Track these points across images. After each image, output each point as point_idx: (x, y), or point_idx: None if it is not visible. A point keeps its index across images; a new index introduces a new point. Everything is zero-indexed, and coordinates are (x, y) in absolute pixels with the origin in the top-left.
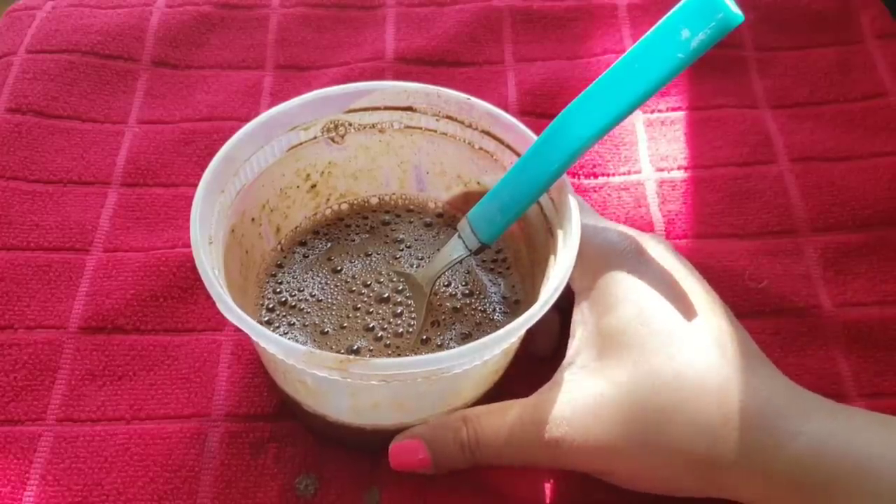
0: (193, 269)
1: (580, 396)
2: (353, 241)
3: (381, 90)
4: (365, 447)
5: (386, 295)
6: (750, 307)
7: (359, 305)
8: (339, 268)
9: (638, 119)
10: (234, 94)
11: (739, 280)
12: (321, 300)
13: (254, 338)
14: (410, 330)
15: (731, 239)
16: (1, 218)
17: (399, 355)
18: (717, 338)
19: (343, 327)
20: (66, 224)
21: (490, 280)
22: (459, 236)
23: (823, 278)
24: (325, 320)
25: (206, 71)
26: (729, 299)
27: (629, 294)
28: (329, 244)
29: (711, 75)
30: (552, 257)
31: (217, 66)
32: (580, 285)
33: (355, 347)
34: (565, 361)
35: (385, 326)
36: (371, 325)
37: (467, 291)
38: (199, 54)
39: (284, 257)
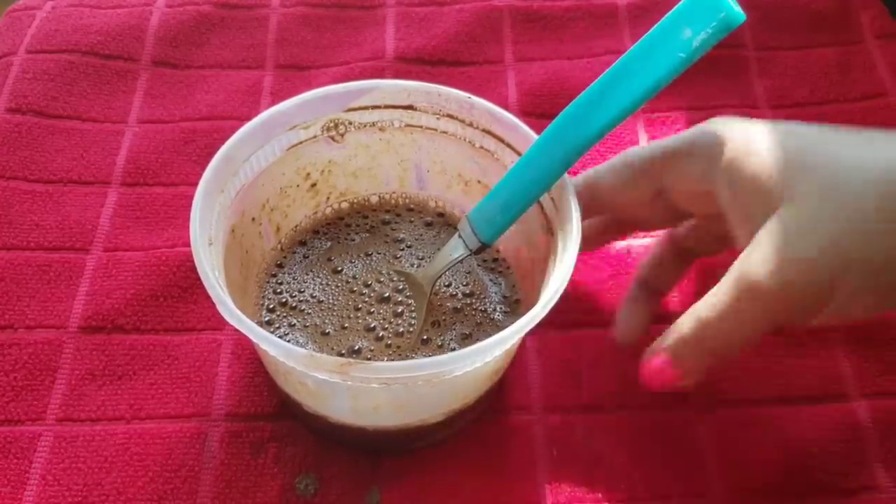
0: (193, 268)
1: (782, 236)
2: (354, 240)
3: (381, 89)
4: (366, 447)
5: (387, 294)
6: None
7: (360, 305)
8: (339, 268)
9: (638, 119)
10: (234, 94)
11: None
12: (322, 301)
13: (254, 340)
14: (411, 330)
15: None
16: (1, 218)
17: (400, 356)
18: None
19: (344, 328)
20: (66, 224)
21: (490, 280)
22: (460, 236)
23: None
24: (326, 321)
25: (206, 70)
26: None
27: (751, 146)
28: (329, 244)
29: (712, 75)
30: (552, 257)
31: (217, 66)
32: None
33: (356, 348)
34: (743, 248)
35: (386, 326)
36: (372, 326)
37: (468, 291)
38: (199, 54)
39: (284, 257)
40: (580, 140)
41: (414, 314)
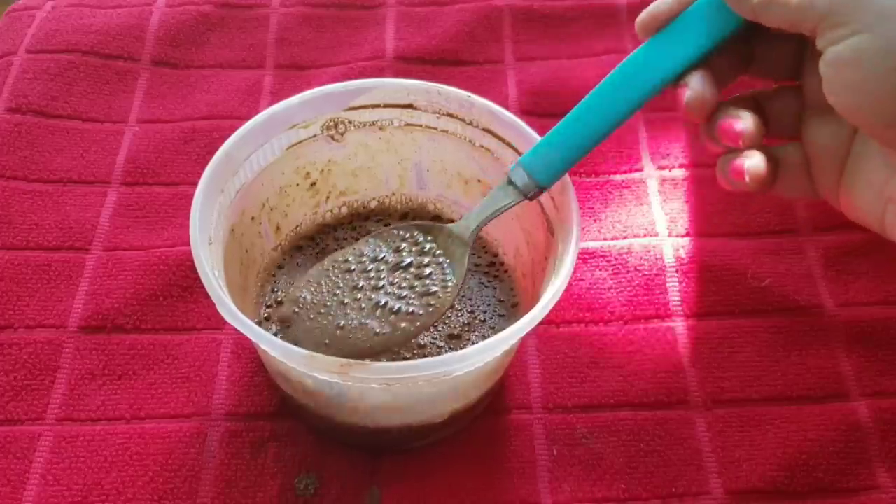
0: (193, 268)
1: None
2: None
3: (381, 88)
4: (366, 447)
5: (383, 302)
6: (752, 306)
7: (360, 306)
8: (338, 269)
9: (639, 117)
10: (234, 94)
11: (742, 279)
12: (317, 303)
13: (254, 340)
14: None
15: (733, 238)
16: (1, 217)
17: (403, 357)
18: None
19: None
20: (65, 223)
21: (489, 280)
22: (510, 183)
23: (825, 278)
24: (326, 322)
25: (207, 70)
26: (731, 298)
27: None
28: (324, 253)
29: None
30: (552, 257)
31: (217, 66)
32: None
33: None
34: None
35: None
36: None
37: (463, 292)
38: (200, 54)
39: (284, 259)
40: (663, 73)
41: (434, 280)
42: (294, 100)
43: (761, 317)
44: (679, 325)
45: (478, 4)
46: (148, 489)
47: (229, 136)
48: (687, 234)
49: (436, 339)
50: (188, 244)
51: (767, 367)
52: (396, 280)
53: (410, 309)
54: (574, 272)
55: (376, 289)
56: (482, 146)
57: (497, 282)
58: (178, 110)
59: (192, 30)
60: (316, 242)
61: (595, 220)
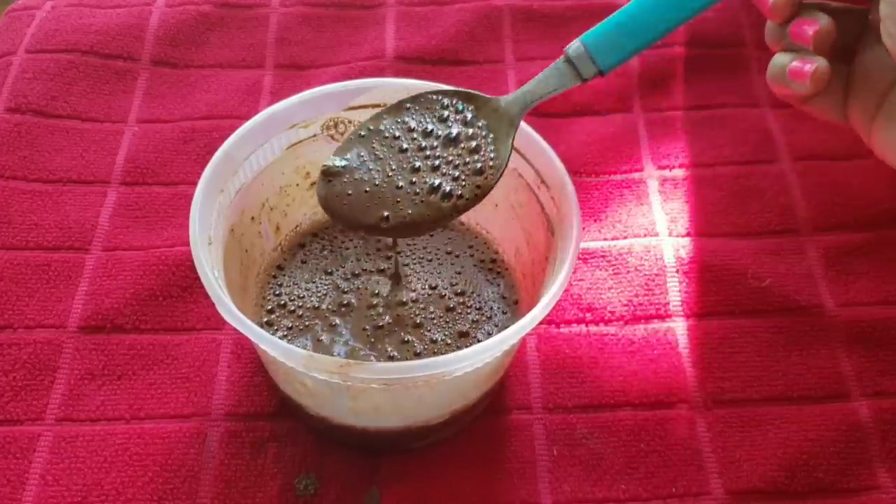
0: (193, 268)
1: None
2: (347, 248)
3: (380, 87)
4: (366, 447)
5: (375, 302)
6: (753, 306)
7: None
8: (338, 270)
9: (639, 117)
10: (233, 93)
11: (742, 279)
12: (318, 307)
13: (254, 340)
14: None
15: (733, 238)
16: (0, 217)
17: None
18: None
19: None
20: (65, 223)
21: (489, 280)
22: (569, 62)
23: (826, 278)
24: (325, 321)
25: (206, 70)
26: (732, 298)
27: None
28: (324, 249)
29: (713, 74)
30: (552, 257)
31: (217, 66)
32: None
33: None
34: None
35: (385, 325)
36: (367, 328)
37: (460, 291)
38: (199, 53)
39: (284, 259)
40: None
41: (479, 156)
42: (294, 99)
43: (762, 317)
44: (679, 325)
45: (478, 4)
46: (148, 489)
47: (229, 135)
48: (687, 234)
49: (446, 336)
50: (188, 244)
51: (768, 367)
52: (451, 158)
53: (459, 192)
54: (574, 272)
55: (433, 169)
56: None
57: (500, 279)
58: (177, 110)
59: (191, 29)
60: (314, 247)
61: (595, 220)
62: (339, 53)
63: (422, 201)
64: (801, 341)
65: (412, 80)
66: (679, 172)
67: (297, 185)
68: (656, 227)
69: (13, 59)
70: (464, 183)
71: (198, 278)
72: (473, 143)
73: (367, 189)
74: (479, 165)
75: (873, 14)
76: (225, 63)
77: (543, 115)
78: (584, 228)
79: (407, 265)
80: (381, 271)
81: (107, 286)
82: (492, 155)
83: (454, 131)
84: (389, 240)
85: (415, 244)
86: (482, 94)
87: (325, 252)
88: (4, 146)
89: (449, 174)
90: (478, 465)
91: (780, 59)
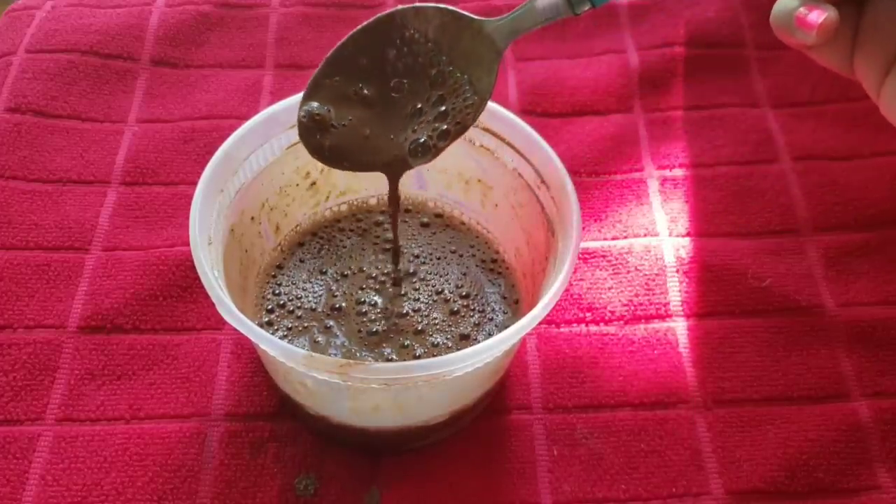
0: (193, 268)
1: None
2: (345, 245)
3: None
4: (366, 448)
5: (365, 310)
6: (753, 306)
7: (360, 299)
8: (338, 271)
9: (639, 117)
10: (233, 93)
11: (742, 279)
12: (315, 309)
13: (254, 340)
14: (470, 100)
15: (733, 237)
16: (0, 217)
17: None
18: None
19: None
20: (65, 223)
21: (489, 280)
22: None
23: (826, 278)
24: (325, 322)
25: (206, 70)
26: (732, 298)
27: None
28: (322, 248)
29: (713, 74)
30: (552, 257)
31: (217, 65)
32: None
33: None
34: None
35: (384, 322)
36: (372, 328)
37: (465, 293)
38: (199, 53)
39: (284, 258)
40: None
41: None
42: (294, 99)
43: (762, 317)
44: (679, 325)
45: (477, 4)
46: (148, 489)
47: (229, 135)
48: (687, 234)
49: (448, 339)
50: (188, 244)
51: (768, 367)
52: (431, 103)
53: (445, 128)
54: (574, 272)
55: (417, 116)
56: (482, 146)
57: (501, 279)
58: (177, 110)
59: (191, 29)
60: (312, 246)
61: (595, 220)
62: None
63: (417, 145)
64: (801, 341)
65: None
66: (679, 172)
67: (297, 185)
68: (656, 227)
69: (13, 59)
70: (448, 124)
71: (198, 278)
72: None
73: (363, 137)
74: (464, 103)
75: None
76: (225, 63)
77: (543, 115)
78: (584, 228)
79: (412, 262)
80: (372, 277)
81: (107, 286)
82: (468, 94)
83: (434, 72)
84: (390, 234)
85: (418, 244)
86: (465, 13)
87: (323, 252)
88: (4, 146)
89: (435, 118)
90: (478, 465)
91: (786, 2)
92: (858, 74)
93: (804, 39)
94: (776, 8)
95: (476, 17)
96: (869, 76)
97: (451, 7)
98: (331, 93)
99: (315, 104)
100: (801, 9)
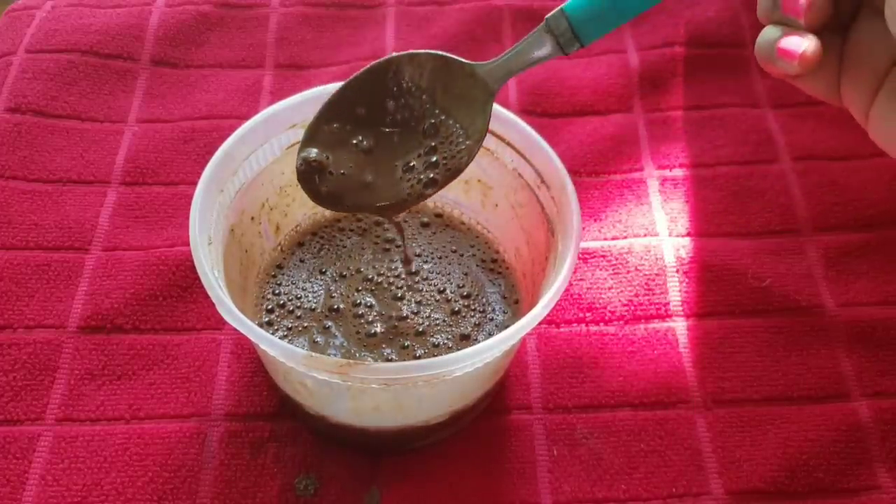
0: (193, 268)
1: None
2: (345, 245)
3: None
4: (366, 447)
5: (361, 312)
6: (753, 306)
7: (358, 302)
8: (337, 270)
9: (639, 117)
10: (233, 93)
11: (742, 279)
12: (315, 309)
13: (254, 340)
14: (464, 144)
15: (733, 238)
16: (1, 217)
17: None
18: None
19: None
20: (65, 223)
21: (490, 280)
22: (549, 31)
23: (826, 278)
24: (327, 322)
25: (206, 70)
26: (732, 298)
27: None
28: (322, 247)
29: (713, 75)
30: (552, 257)
31: (217, 65)
32: None
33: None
34: None
35: (381, 317)
36: (373, 326)
37: (466, 293)
38: (199, 53)
39: (284, 258)
40: None
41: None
42: (294, 99)
43: (762, 317)
44: (679, 325)
45: (478, 4)
46: (148, 489)
47: (229, 135)
48: (687, 234)
49: (448, 339)
50: (188, 244)
51: (768, 367)
52: (427, 148)
53: (435, 177)
54: (574, 272)
55: (414, 160)
56: (482, 146)
57: (501, 279)
58: (177, 110)
59: (191, 29)
60: (312, 246)
61: (595, 220)
62: (339, 53)
63: (408, 193)
64: (801, 341)
65: None
66: (679, 172)
67: (297, 185)
68: (656, 227)
69: (13, 59)
70: (438, 173)
71: (198, 278)
72: (444, 134)
73: (358, 184)
74: (455, 151)
75: None
76: (225, 63)
77: (543, 115)
78: (584, 228)
79: (414, 261)
80: (368, 279)
81: (107, 286)
82: (461, 139)
83: (427, 124)
84: (390, 233)
85: (418, 244)
86: (457, 58)
87: (323, 252)
88: (4, 146)
89: (425, 168)
90: (478, 465)
91: (769, 33)
92: (846, 102)
93: (787, 70)
94: (759, 39)
95: (467, 61)
96: (856, 102)
97: (443, 53)
98: (329, 138)
99: (314, 151)
100: (783, 39)
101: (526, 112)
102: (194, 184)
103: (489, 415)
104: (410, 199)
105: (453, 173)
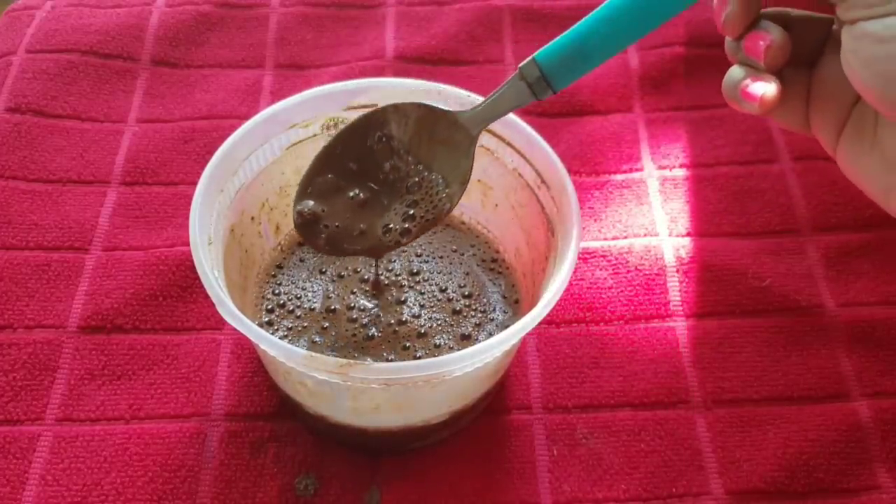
0: (193, 268)
1: None
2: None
3: (380, 87)
4: (366, 448)
5: (355, 316)
6: (753, 305)
7: (355, 304)
8: (337, 270)
9: (639, 117)
10: (233, 93)
11: (742, 279)
12: (314, 309)
13: (253, 340)
14: (443, 196)
15: (733, 237)
16: (0, 217)
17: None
18: None
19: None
20: (65, 223)
21: (490, 280)
22: (523, 79)
23: (826, 278)
24: (325, 323)
25: (206, 70)
26: (732, 298)
27: None
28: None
29: (713, 75)
30: (552, 257)
31: (217, 65)
32: None
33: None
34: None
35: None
36: (370, 331)
37: (467, 293)
38: (199, 53)
39: (284, 258)
40: None
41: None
42: (294, 99)
43: (762, 317)
44: (679, 325)
45: (478, 4)
46: (147, 489)
47: (229, 135)
48: (687, 234)
49: (449, 339)
50: (188, 244)
51: (768, 367)
52: (406, 203)
53: (415, 224)
54: (574, 272)
55: (399, 209)
56: (482, 146)
57: (501, 278)
58: (177, 110)
59: (191, 29)
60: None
61: (595, 220)
62: (339, 53)
63: (394, 241)
64: (801, 341)
65: (412, 79)
66: (679, 172)
67: (297, 185)
68: (656, 227)
69: (13, 59)
70: (423, 218)
71: (198, 278)
72: (426, 182)
73: (351, 234)
74: (437, 200)
75: (837, 24)
76: (225, 63)
77: (543, 115)
78: (584, 228)
79: (414, 261)
80: (366, 280)
81: (107, 286)
82: (441, 193)
83: (411, 182)
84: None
85: (419, 243)
86: (439, 107)
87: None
88: (4, 146)
89: (409, 215)
90: (478, 465)
91: (734, 74)
92: (815, 133)
93: (749, 110)
94: (725, 78)
95: (449, 110)
96: (824, 134)
97: (426, 102)
98: (323, 188)
99: (310, 203)
100: (746, 80)
101: (526, 112)
102: (194, 184)
103: (489, 415)
104: (392, 243)
105: (430, 223)
